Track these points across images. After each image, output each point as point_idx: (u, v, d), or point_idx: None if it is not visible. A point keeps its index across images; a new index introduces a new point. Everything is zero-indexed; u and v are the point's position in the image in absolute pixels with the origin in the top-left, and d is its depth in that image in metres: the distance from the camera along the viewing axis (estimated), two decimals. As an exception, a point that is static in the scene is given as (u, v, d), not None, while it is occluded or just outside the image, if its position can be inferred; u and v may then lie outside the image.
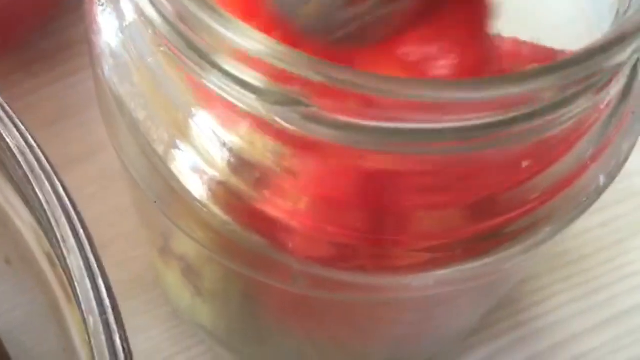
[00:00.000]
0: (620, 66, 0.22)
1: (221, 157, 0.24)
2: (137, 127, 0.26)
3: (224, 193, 0.25)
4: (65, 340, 0.24)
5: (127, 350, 0.20)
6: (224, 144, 0.24)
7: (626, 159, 0.27)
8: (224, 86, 0.22)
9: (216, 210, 0.25)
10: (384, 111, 0.21)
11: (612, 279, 0.44)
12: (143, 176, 0.27)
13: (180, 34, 0.22)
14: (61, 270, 0.23)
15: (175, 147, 0.25)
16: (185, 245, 0.31)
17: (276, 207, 0.24)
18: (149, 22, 0.23)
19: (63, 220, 0.22)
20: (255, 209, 0.25)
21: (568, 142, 0.25)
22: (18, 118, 0.23)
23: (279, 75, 0.21)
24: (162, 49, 0.24)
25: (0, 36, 0.45)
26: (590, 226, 0.44)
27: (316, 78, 0.20)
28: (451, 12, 0.24)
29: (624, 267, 0.44)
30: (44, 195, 0.22)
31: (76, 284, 0.21)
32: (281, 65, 0.20)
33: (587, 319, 0.43)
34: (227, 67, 0.21)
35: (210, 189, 0.25)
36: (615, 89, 0.25)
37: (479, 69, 0.24)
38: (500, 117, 0.21)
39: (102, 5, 0.26)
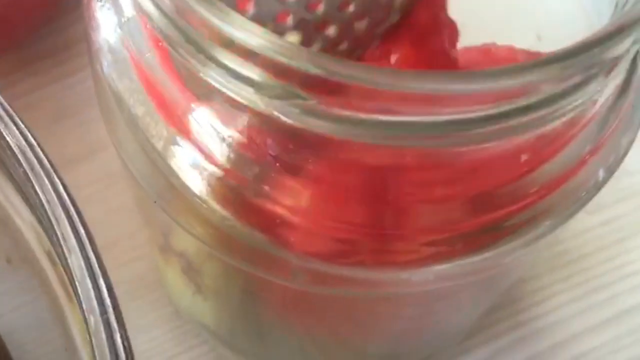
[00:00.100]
0: (619, 58, 0.22)
1: (220, 153, 0.24)
2: (136, 123, 0.26)
3: (223, 189, 0.25)
4: (66, 339, 0.24)
5: (128, 349, 0.20)
6: (223, 140, 0.24)
7: (625, 154, 0.27)
8: (222, 80, 0.22)
9: (215, 205, 0.25)
10: (382, 104, 0.21)
11: (612, 279, 0.44)
12: (142, 172, 0.27)
13: (178, 28, 0.22)
14: (62, 269, 0.23)
15: (175, 143, 0.25)
16: (185, 242, 0.31)
17: (276, 203, 0.24)
18: (147, 16, 0.23)
19: (63, 219, 0.22)
20: (254, 205, 0.25)
21: (567, 136, 0.25)
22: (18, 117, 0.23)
23: (277, 69, 0.21)
24: (160, 44, 0.24)
25: (2, 35, 0.45)
26: (590, 225, 0.44)
27: (315, 71, 0.20)
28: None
29: (625, 266, 0.44)
30: (44, 194, 0.22)
31: (77, 283, 0.21)
32: (280, 59, 0.20)
33: (588, 319, 0.43)
34: (225, 61, 0.21)
35: (209, 185, 0.25)
36: (614, 82, 0.25)
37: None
38: (499, 109, 0.21)
39: (101, 1, 0.26)
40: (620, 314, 0.43)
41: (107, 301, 0.21)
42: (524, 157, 0.25)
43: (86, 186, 0.43)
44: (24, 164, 0.22)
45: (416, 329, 0.35)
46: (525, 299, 0.43)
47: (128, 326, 0.21)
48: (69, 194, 0.22)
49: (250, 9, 0.24)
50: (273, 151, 0.24)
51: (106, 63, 0.26)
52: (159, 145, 0.25)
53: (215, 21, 0.21)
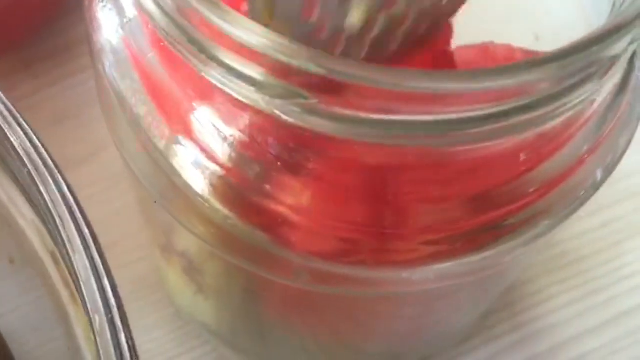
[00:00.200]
0: (617, 57, 0.22)
1: (222, 152, 0.25)
2: (138, 122, 0.26)
3: (225, 188, 0.25)
4: (68, 339, 0.24)
5: (132, 349, 0.21)
6: (225, 139, 0.24)
7: (623, 153, 0.27)
8: (224, 80, 0.22)
9: (217, 205, 0.25)
10: (383, 103, 0.21)
11: (610, 280, 0.44)
12: (144, 172, 0.27)
13: (180, 28, 0.22)
14: (65, 269, 0.23)
15: (176, 142, 0.25)
16: (187, 241, 0.31)
17: (277, 202, 0.24)
18: (148, 16, 0.23)
19: (68, 219, 0.22)
20: (256, 204, 0.25)
21: (565, 135, 0.25)
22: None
23: (279, 69, 0.21)
24: (162, 44, 0.24)
25: (2, 36, 0.45)
26: (589, 227, 0.45)
27: (316, 71, 0.20)
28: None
29: (623, 268, 0.44)
30: (48, 194, 0.22)
31: (82, 283, 0.21)
32: (281, 58, 0.20)
33: (586, 321, 0.43)
34: (227, 61, 0.22)
35: (211, 184, 0.25)
36: (612, 82, 0.25)
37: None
38: (498, 109, 0.21)
39: (102, 1, 0.26)
40: (619, 316, 0.43)
41: (112, 301, 0.21)
42: (522, 157, 0.25)
43: (87, 187, 0.43)
44: (29, 165, 0.22)
45: (416, 328, 0.35)
46: (524, 300, 0.43)
47: (131, 327, 0.21)
48: (73, 195, 0.22)
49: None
50: (274, 150, 0.24)
51: (108, 63, 0.26)
52: (161, 144, 0.25)
53: (217, 20, 0.21)
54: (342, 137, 0.22)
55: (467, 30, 0.27)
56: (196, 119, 0.25)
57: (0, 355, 0.31)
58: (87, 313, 0.21)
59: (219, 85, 0.22)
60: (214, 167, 0.25)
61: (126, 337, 0.21)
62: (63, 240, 0.22)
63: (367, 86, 0.20)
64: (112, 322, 0.21)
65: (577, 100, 0.23)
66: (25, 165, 0.23)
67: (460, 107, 0.21)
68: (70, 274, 0.23)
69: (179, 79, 0.25)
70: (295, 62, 0.20)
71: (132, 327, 0.21)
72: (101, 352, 0.20)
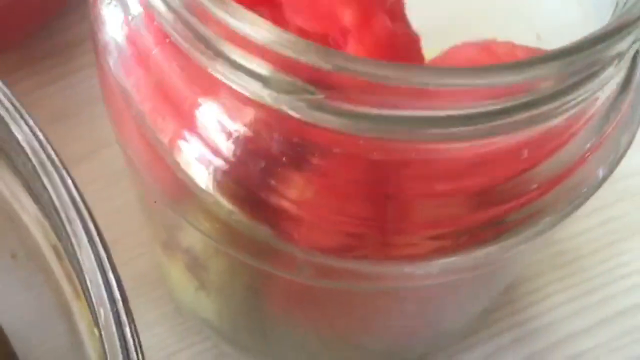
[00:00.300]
0: (619, 56, 0.22)
1: (227, 147, 0.25)
2: (143, 118, 0.26)
3: (229, 183, 0.25)
4: (72, 334, 0.24)
5: (137, 342, 0.21)
6: (230, 134, 0.24)
7: (624, 152, 0.27)
8: (230, 75, 0.22)
9: (222, 200, 0.25)
10: (388, 98, 0.21)
11: (608, 280, 0.44)
12: (149, 168, 0.27)
13: (186, 24, 0.22)
14: (68, 264, 0.23)
15: (181, 137, 0.25)
16: (191, 237, 0.31)
17: (282, 197, 0.24)
18: (155, 12, 0.23)
19: (73, 214, 0.22)
20: (261, 199, 0.25)
21: (568, 133, 0.25)
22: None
23: (285, 64, 0.21)
24: (167, 40, 0.24)
25: (3, 35, 0.45)
26: (587, 227, 0.45)
27: (323, 66, 0.20)
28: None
29: (620, 267, 0.44)
30: (54, 189, 0.22)
31: (87, 277, 0.21)
32: (288, 54, 0.21)
33: (583, 320, 0.43)
34: (234, 56, 0.22)
35: (216, 179, 0.25)
36: (615, 80, 0.25)
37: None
38: (501, 105, 0.21)
39: (107, -2, 0.26)
40: (616, 315, 0.43)
41: (117, 295, 0.21)
42: (525, 154, 0.25)
43: (88, 184, 0.43)
44: (33, 160, 0.23)
45: (417, 325, 0.35)
46: (522, 299, 0.43)
47: (132, 323, 0.21)
48: (78, 190, 0.22)
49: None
50: (279, 146, 0.24)
51: (113, 60, 0.26)
52: (166, 140, 0.26)
53: (224, 16, 0.21)
54: (348, 132, 0.22)
55: (469, 28, 0.27)
56: (201, 115, 0.25)
57: (2, 351, 0.31)
58: (92, 307, 0.21)
59: (226, 81, 0.22)
60: (219, 162, 0.25)
61: (131, 331, 0.21)
62: (68, 235, 0.22)
63: (373, 82, 0.21)
64: (117, 316, 0.21)
65: (580, 98, 0.23)
66: (29, 160, 0.23)
67: (464, 103, 0.21)
68: (74, 269, 0.23)
69: (184, 75, 0.25)
70: (301, 58, 0.20)
71: (134, 323, 0.21)
72: (106, 346, 0.20)
